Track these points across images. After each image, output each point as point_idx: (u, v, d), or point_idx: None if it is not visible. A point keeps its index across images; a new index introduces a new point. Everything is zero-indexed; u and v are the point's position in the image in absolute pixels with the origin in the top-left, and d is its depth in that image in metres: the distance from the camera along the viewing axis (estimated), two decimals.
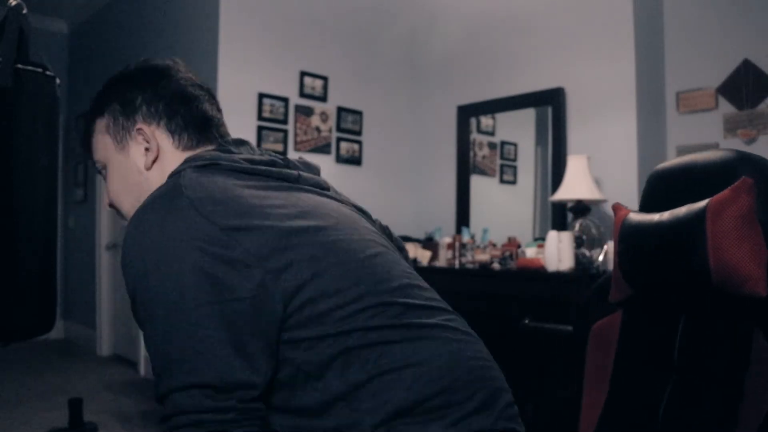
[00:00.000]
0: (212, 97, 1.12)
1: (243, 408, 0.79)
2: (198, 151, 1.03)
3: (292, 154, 4.04)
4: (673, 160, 1.38)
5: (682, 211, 1.20)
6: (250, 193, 0.90)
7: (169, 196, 0.88)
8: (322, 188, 1.07)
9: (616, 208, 1.41)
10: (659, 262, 1.24)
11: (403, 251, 1.18)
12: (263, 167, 0.98)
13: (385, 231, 1.20)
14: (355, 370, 0.84)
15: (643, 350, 1.29)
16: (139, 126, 1.04)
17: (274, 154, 1.08)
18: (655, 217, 1.26)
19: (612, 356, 1.35)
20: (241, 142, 1.07)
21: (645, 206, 1.38)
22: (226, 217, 0.84)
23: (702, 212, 1.15)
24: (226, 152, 1.00)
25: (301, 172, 1.04)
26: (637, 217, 1.32)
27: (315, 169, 1.13)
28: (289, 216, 0.90)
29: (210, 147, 1.05)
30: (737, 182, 1.13)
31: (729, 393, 1.09)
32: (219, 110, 1.12)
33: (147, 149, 1.04)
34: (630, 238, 1.31)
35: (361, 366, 0.84)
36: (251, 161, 0.98)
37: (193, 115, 1.06)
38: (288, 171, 1.02)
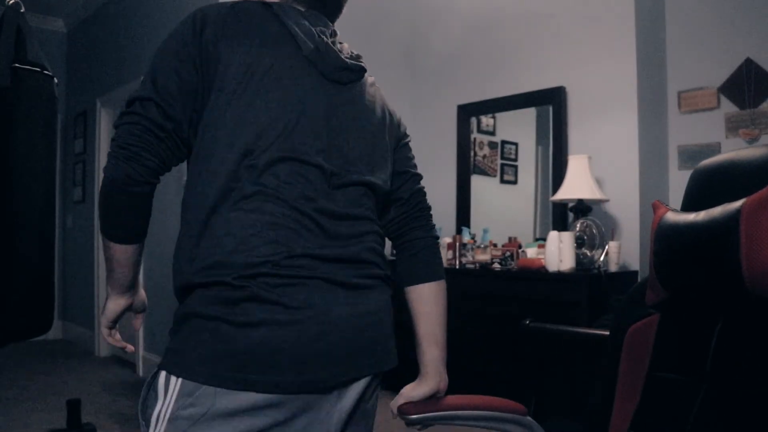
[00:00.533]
0: None
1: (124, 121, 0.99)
2: None
3: None
4: (715, 157, 1.32)
5: (717, 211, 1.14)
6: (254, 20, 1.07)
7: None
8: (342, 79, 1.15)
9: (656, 205, 1.35)
10: (693, 265, 1.18)
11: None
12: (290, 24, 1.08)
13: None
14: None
15: (677, 356, 1.24)
16: None
17: (327, 34, 1.15)
18: (691, 216, 1.20)
19: (647, 360, 1.30)
20: (318, 18, 1.16)
21: (686, 204, 1.32)
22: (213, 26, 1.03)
23: (736, 213, 1.09)
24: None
25: (320, 49, 1.10)
26: (673, 216, 1.26)
27: (353, 66, 1.20)
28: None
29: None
30: None
31: (762, 404, 1.05)
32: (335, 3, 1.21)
33: None
34: (666, 238, 1.25)
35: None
36: (285, 14, 1.09)
37: None
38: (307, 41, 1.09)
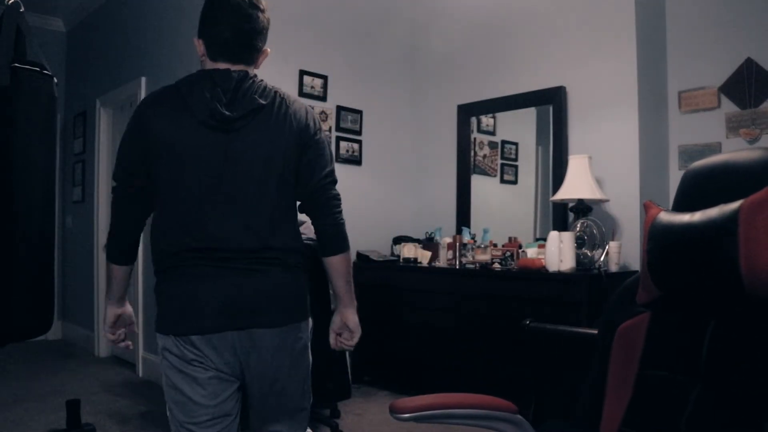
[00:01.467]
0: (243, 35, 1.59)
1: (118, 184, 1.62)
2: (209, 65, 1.60)
3: None
4: (709, 158, 1.33)
5: (713, 212, 1.15)
6: (166, 108, 1.57)
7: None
8: (226, 128, 1.55)
9: (648, 206, 1.36)
10: (689, 264, 1.20)
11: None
12: (188, 98, 1.55)
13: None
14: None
15: (669, 355, 1.25)
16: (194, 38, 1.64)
17: (221, 95, 1.54)
18: (686, 216, 1.21)
19: (637, 358, 1.31)
20: (225, 75, 1.57)
21: (678, 204, 1.33)
22: (147, 105, 1.60)
23: (735, 214, 1.10)
24: (191, 77, 1.59)
25: (217, 112, 1.52)
26: (668, 216, 1.28)
27: (249, 109, 1.57)
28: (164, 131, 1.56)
29: (222, 65, 1.59)
30: None
31: (757, 402, 1.05)
32: (245, 48, 1.60)
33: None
34: (660, 237, 1.27)
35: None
36: (188, 93, 1.55)
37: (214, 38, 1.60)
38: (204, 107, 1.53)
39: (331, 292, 1.75)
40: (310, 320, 1.78)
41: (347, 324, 1.72)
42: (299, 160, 1.61)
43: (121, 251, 1.63)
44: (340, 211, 1.65)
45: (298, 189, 1.63)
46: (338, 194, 1.67)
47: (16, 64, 1.72)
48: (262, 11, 1.59)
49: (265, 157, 1.56)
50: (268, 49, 1.67)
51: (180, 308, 1.52)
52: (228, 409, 1.60)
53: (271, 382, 1.62)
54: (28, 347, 4.93)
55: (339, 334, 1.74)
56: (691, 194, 1.31)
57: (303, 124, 1.64)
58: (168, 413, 1.62)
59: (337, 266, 1.65)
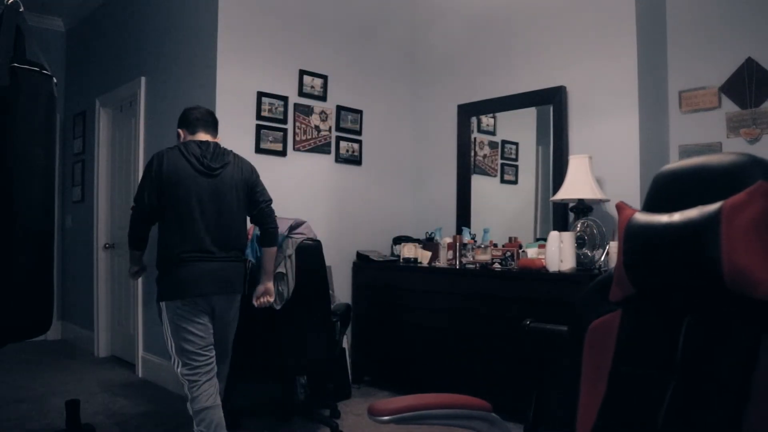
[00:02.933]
0: (209, 116, 2.82)
1: (135, 211, 2.67)
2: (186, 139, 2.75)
3: (291, 154, 4.02)
4: (681, 161, 1.39)
5: (693, 212, 1.20)
6: (173, 160, 2.61)
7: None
8: (211, 174, 2.64)
9: (620, 207, 1.40)
10: (669, 263, 1.23)
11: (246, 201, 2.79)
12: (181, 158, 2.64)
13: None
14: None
15: (643, 351, 1.28)
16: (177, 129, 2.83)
17: (205, 154, 2.66)
18: (664, 218, 1.26)
19: (610, 356, 1.34)
20: (205, 142, 2.71)
21: (649, 206, 1.37)
22: (161, 156, 2.66)
23: (716, 214, 1.14)
24: (181, 146, 2.68)
25: (202, 166, 2.62)
26: (644, 217, 1.32)
27: (221, 164, 2.68)
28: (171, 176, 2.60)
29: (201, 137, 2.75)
30: (754, 186, 1.12)
31: (734, 396, 1.09)
32: (210, 124, 2.80)
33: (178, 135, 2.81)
34: (637, 237, 1.30)
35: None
36: (186, 152, 2.63)
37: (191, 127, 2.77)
38: (192, 162, 2.62)
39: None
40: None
41: (267, 290, 2.84)
42: (249, 194, 2.75)
43: (136, 245, 2.75)
44: (274, 221, 2.82)
45: (251, 210, 2.79)
46: (273, 211, 2.82)
47: (16, 64, 1.72)
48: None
49: (233, 193, 2.68)
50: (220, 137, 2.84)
51: (189, 281, 2.56)
52: (211, 341, 2.64)
53: (223, 325, 2.74)
54: (28, 347, 4.93)
55: (258, 298, 2.84)
56: (664, 196, 1.35)
57: (248, 173, 2.77)
58: (172, 350, 2.60)
59: (269, 253, 2.83)
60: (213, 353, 2.62)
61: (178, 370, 2.59)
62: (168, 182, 2.52)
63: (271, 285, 2.82)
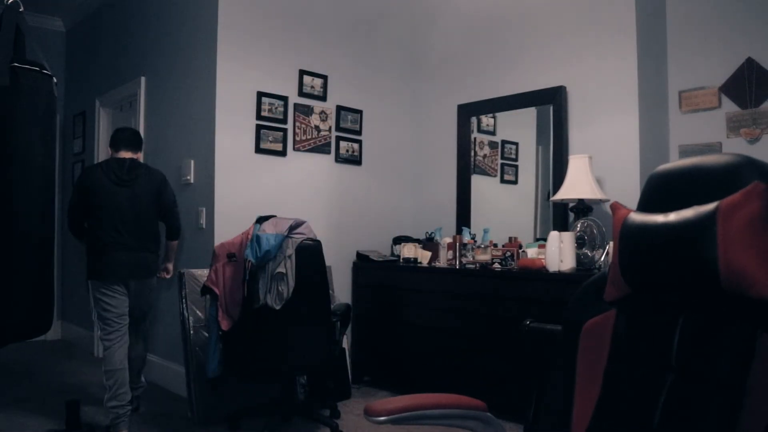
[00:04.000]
0: (133, 137, 3.41)
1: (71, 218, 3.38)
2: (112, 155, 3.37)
3: (291, 154, 4.02)
4: (675, 162, 1.39)
5: (689, 212, 1.20)
6: (90, 175, 3.30)
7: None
8: (125, 184, 3.22)
9: (615, 207, 1.42)
10: (665, 262, 1.24)
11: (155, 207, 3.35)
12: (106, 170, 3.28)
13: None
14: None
15: (638, 350, 1.29)
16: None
17: (121, 168, 3.23)
18: (660, 217, 1.26)
19: (605, 355, 1.35)
20: (122, 159, 3.30)
21: (644, 206, 1.38)
22: (86, 173, 3.43)
23: (712, 214, 1.15)
24: (103, 162, 3.39)
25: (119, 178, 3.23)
26: (639, 217, 1.32)
27: (133, 176, 3.25)
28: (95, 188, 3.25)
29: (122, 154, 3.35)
30: (749, 186, 1.13)
31: (730, 394, 1.09)
32: (133, 143, 3.36)
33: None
34: (633, 237, 1.31)
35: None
36: (105, 167, 3.27)
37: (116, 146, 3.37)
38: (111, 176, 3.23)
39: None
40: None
41: (166, 269, 3.54)
42: (158, 199, 3.30)
43: (77, 236, 3.40)
44: (178, 219, 3.44)
45: (159, 210, 3.32)
46: (178, 211, 3.43)
47: (16, 64, 1.72)
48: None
49: (146, 197, 3.25)
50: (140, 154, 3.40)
51: (108, 268, 3.15)
52: (125, 312, 3.20)
53: (138, 299, 3.28)
54: (28, 347, 4.93)
55: (160, 273, 3.49)
56: (659, 197, 1.36)
57: (157, 181, 3.31)
58: (95, 318, 3.23)
59: (173, 246, 3.52)
60: (126, 322, 3.19)
61: (98, 334, 3.45)
62: (86, 192, 3.19)
63: (170, 265, 3.55)
